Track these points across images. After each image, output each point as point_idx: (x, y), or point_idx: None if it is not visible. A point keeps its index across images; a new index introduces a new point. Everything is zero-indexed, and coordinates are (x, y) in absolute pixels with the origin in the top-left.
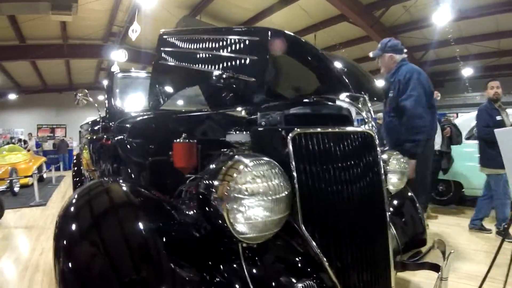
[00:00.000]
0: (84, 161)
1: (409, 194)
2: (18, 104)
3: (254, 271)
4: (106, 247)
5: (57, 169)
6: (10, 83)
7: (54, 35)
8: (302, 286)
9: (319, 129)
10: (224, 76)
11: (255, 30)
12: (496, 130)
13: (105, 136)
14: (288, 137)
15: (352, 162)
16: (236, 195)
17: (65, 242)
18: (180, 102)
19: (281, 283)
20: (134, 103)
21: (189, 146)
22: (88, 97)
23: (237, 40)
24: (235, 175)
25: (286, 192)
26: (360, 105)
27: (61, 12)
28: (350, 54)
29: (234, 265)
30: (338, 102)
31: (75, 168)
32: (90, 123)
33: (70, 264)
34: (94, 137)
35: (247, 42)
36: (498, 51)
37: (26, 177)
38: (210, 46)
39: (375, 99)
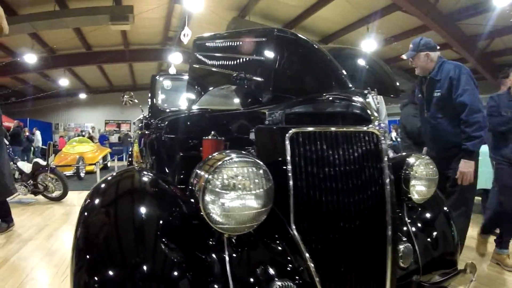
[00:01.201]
0: (135, 154)
1: (444, 205)
2: (88, 102)
3: (237, 264)
4: (112, 224)
5: (121, 159)
6: (80, 84)
7: (116, 42)
8: (280, 285)
9: (317, 128)
10: (239, 77)
11: (262, 31)
12: None
13: (147, 132)
14: (286, 136)
15: (353, 165)
16: (212, 187)
17: (83, 215)
18: (213, 102)
19: (260, 278)
20: (173, 102)
21: (217, 143)
22: (134, 98)
23: (248, 42)
24: (213, 169)
25: (263, 190)
26: (368, 102)
27: (119, 22)
28: (406, 46)
29: (219, 256)
30: (349, 99)
31: (130, 159)
32: (139, 120)
33: (81, 233)
34: (140, 133)
35: (256, 43)
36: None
37: (90, 164)
38: (229, 49)
39: (391, 95)
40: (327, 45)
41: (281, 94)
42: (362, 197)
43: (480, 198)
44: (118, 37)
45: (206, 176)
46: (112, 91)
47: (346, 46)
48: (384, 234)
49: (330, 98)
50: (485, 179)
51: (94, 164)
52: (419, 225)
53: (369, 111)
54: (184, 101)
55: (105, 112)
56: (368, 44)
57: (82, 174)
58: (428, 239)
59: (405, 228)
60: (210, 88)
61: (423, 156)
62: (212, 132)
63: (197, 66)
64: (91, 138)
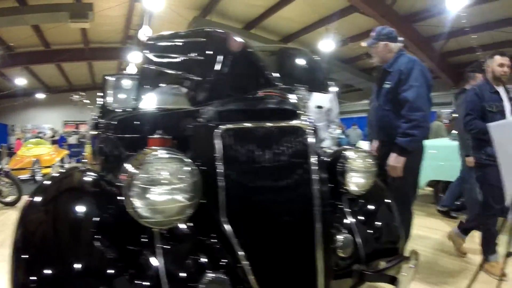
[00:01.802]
0: (87, 155)
1: (386, 196)
2: (46, 102)
3: (169, 258)
4: (49, 223)
5: (79, 161)
6: (38, 84)
7: (76, 40)
8: (211, 278)
9: (246, 124)
10: (182, 76)
11: (202, 32)
12: (489, 124)
13: (97, 133)
14: (215, 132)
15: (281, 160)
16: (138, 182)
17: (22, 215)
18: (161, 101)
19: (192, 271)
20: (124, 102)
21: (163, 141)
22: (85, 98)
23: (190, 43)
24: (138, 165)
25: (188, 184)
26: (297, 98)
27: (79, 20)
28: (363, 47)
29: (151, 251)
30: (278, 96)
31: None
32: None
33: (19, 233)
34: (91, 134)
35: (196, 43)
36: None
37: (46, 167)
38: (174, 49)
39: (323, 92)
40: (273, 45)
41: (218, 92)
42: (290, 190)
43: (432, 189)
44: (78, 35)
45: (132, 171)
46: (71, 91)
47: (290, 46)
48: (311, 223)
49: (261, 95)
50: (446, 171)
51: (51, 166)
52: (361, 215)
53: (296, 107)
54: (134, 100)
55: (64, 112)
56: (326, 45)
57: (38, 177)
58: (370, 229)
59: (345, 219)
60: (159, 88)
61: (361, 149)
62: (158, 131)
63: (147, 66)
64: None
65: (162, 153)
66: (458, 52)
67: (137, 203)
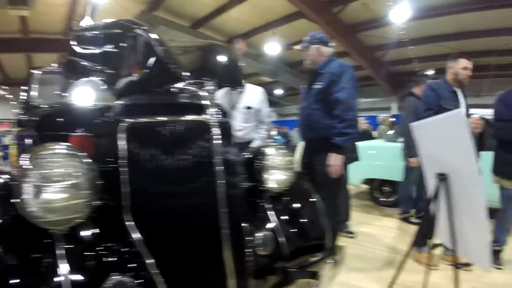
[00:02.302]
0: (12, 155)
1: (309, 193)
2: None
3: (70, 261)
4: None
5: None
6: None
7: (14, 29)
8: (115, 281)
9: (150, 119)
10: (99, 69)
11: (118, 23)
12: (412, 124)
13: (18, 130)
14: (119, 127)
15: (186, 157)
16: (31, 180)
17: None
18: (84, 96)
19: (96, 273)
20: (50, 97)
21: (83, 139)
22: (6, 94)
23: (108, 35)
24: (31, 162)
25: (83, 181)
26: (205, 92)
27: (18, 7)
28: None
29: (52, 253)
30: (186, 91)
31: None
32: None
33: None
34: (13, 131)
35: (114, 36)
36: (459, 52)
37: None
38: (96, 41)
39: (237, 87)
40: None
41: (132, 87)
42: (196, 191)
43: (368, 186)
44: (16, 23)
45: (24, 168)
46: (8, 85)
47: (210, 41)
48: (216, 221)
49: (170, 90)
50: (381, 170)
51: None
52: (284, 213)
53: (203, 101)
54: (59, 96)
55: None
56: (272, 48)
57: None
58: (294, 226)
59: (267, 217)
60: (83, 82)
61: (279, 147)
62: (80, 129)
63: (72, 59)
64: None
65: (55, 149)
66: (397, 62)
67: (29, 201)
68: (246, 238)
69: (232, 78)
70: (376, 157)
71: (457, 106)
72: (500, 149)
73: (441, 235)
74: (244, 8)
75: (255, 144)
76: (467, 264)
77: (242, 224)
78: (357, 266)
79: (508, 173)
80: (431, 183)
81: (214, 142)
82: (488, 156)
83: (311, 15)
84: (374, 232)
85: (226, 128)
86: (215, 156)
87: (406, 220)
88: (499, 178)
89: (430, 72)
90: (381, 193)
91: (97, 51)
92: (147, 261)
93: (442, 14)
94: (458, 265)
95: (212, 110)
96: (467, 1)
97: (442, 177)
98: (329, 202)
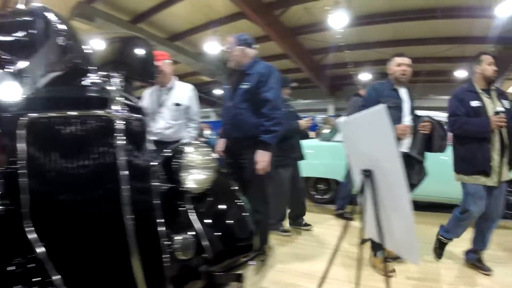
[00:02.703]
0: None
1: (234, 193)
2: None
3: None
4: None
5: None
6: None
7: None
8: None
9: (51, 114)
10: (7, 59)
11: (29, 10)
12: (338, 120)
13: None
14: (19, 123)
15: (88, 155)
16: None
17: None
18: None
19: None
20: None
21: None
22: None
23: (17, 22)
24: None
25: None
26: (111, 86)
27: None
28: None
29: None
30: (93, 84)
31: None
32: None
33: None
34: None
35: (23, 23)
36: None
37: None
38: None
39: (148, 80)
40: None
41: (35, 79)
42: (98, 193)
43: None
44: None
45: None
46: None
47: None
48: (120, 220)
49: (76, 83)
50: (316, 168)
51: None
52: (208, 214)
53: (109, 95)
54: None
55: None
56: (212, 47)
57: None
58: (218, 227)
59: (188, 219)
60: None
61: (199, 145)
62: None
63: None
64: None
65: None
66: (335, 65)
67: None
68: (164, 243)
69: (144, 72)
70: (312, 156)
71: (397, 103)
72: (457, 145)
73: (369, 231)
74: (186, 5)
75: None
76: (397, 258)
77: (159, 229)
78: (292, 264)
79: (466, 169)
80: (357, 180)
81: (119, 140)
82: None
83: (253, 16)
84: (310, 230)
85: (137, 126)
86: (120, 157)
87: (341, 216)
88: (460, 175)
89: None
90: (316, 191)
91: (6, 38)
92: (51, 276)
93: (379, 22)
94: (388, 259)
95: (118, 105)
96: (402, 11)
97: (367, 173)
98: (259, 200)
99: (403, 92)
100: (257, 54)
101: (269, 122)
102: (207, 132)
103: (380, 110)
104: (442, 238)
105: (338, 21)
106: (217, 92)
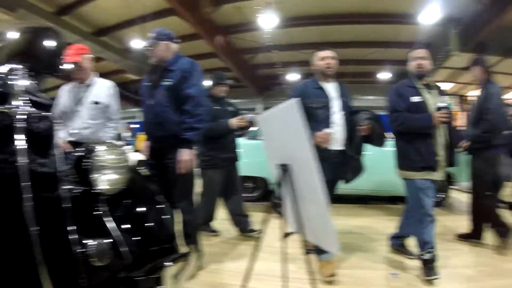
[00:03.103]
0: None
1: (154, 194)
2: None
3: None
4: None
5: None
6: None
7: None
8: None
9: None
10: None
11: None
12: (257, 116)
13: None
14: None
15: None
16: None
17: None
18: None
19: None
20: None
21: None
22: None
23: None
24: None
25: None
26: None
27: None
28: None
29: None
30: None
31: None
32: None
33: None
34: None
35: None
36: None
37: None
38: None
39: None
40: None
41: None
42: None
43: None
44: None
45: None
46: None
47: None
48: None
49: None
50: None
51: None
52: (125, 217)
53: (9, 89)
54: None
55: None
56: (140, 44)
57: None
58: (137, 230)
59: (103, 223)
60: None
61: (113, 144)
62: None
63: None
64: None
65: None
66: (264, 65)
67: None
68: (76, 251)
69: (49, 65)
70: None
71: (324, 103)
72: (400, 142)
73: (291, 224)
74: None
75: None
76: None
77: (70, 236)
78: (224, 264)
79: (413, 165)
80: (275, 174)
81: (19, 141)
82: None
83: (183, 13)
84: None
85: (43, 124)
86: (20, 161)
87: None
88: (405, 172)
89: (295, 76)
90: (244, 189)
91: None
92: None
93: (308, 24)
94: (308, 250)
95: (20, 101)
96: (330, 15)
97: (284, 168)
98: (185, 201)
99: (331, 88)
100: (181, 51)
101: (192, 119)
102: (126, 134)
103: (291, 105)
104: (426, 253)
105: (268, 22)
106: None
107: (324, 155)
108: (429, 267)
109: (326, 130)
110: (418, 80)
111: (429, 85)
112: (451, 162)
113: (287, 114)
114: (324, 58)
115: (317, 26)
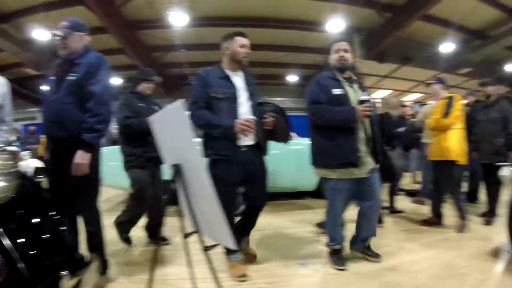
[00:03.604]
0: None
1: (50, 204)
2: None
3: None
4: None
5: None
6: None
7: None
8: None
9: None
10: None
11: None
12: (149, 118)
13: None
14: None
15: None
16: None
17: None
18: None
19: None
20: None
21: None
22: None
23: None
24: None
25: None
26: None
27: None
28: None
29: None
30: None
31: None
32: None
33: None
34: None
35: None
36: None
37: None
38: None
39: None
40: None
41: None
42: None
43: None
44: None
45: None
46: None
47: None
48: None
49: None
50: None
51: None
52: (18, 229)
53: None
54: None
55: None
56: (42, 34)
57: None
58: (33, 243)
59: None
60: None
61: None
62: None
63: None
64: None
65: None
66: (174, 65)
67: None
68: None
69: None
70: None
71: (229, 94)
72: (318, 137)
73: (189, 223)
74: None
75: None
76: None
77: None
78: (131, 274)
79: (331, 162)
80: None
81: None
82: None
83: (91, 4)
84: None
85: None
86: None
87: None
88: (322, 170)
89: None
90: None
91: None
92: None
93: (220, 25)
94: (206, 248)
95: None
96: (243, 17)
97: (176, 168)
98: (88, 210)
99: (239, 79)
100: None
101: (93, 119)
102: (12, 137)
103: (178, 106)
104: (332, 246)
105: (179, 20)
106: (45, 88)
107: (234, 153)
108: (338, 256)
109: (247, 117)
110: (339, 72)
111: (350, 79)
112: (377, 158)
113: (174, 115)
114: (244, 46)
115: (228, 28)
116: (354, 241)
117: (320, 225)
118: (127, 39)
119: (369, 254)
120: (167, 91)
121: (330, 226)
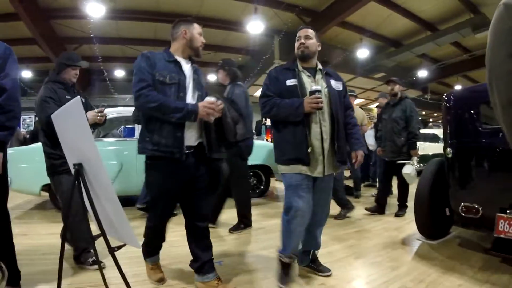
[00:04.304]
0: None
1: None
2: None
3: None
4: None
5: None
6: None
7: None
8: None
9: None
10: None
11: None
12: (51, 115)
13: None
14: None
15: None
16: None
17: None
18: None
19: None
20: None
21: None
22: None
23: None
24: None
25: None
26: None
27: None
28: None
29: None
30: None
31: None
32: None
33: None
34: None
35: None
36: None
37: None
38: None
39: None
40: None
41: None
42: None
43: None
44: None
45: None
46: None
47: None
48: None
49: None
50: None
51: None
52: None
53: None
54: None
55: None
56: None
57: None
58: None
59: None
60: None
61: None
62: None
63: None
64: None
65: None
66: (88, 58)
67: None
68: None
69: None
70: None
71: (176, 80)
72: (274, 132)
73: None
74: None
75: None
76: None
77: None
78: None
79: (282, 157)
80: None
81: None
82: None
83: None
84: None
85: None
86: None
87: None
88: (279, 165)
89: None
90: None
91: None
92: None
93: (139, 19)
94: (115, 248)
95: None
96: (166, 13)
97: (77, 167)
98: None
99: (189, 67)
100: None
101: (4, 116)
102: None
103: (75, 103)
104: (282, 257)
105: (96, 11)
106: None
107: (181, 151)
108: (285, 272)
109: (209, 99)
110: (302, 62)
111: (314, 69)
112: (342, 158)
113: (73, 112)
114: (201, 34)
115: (148, 22)
116: (299, 255)
117: None
118: (39, 28)
119: (315, 267)
120: (80, 86)
121: (283, 230)
